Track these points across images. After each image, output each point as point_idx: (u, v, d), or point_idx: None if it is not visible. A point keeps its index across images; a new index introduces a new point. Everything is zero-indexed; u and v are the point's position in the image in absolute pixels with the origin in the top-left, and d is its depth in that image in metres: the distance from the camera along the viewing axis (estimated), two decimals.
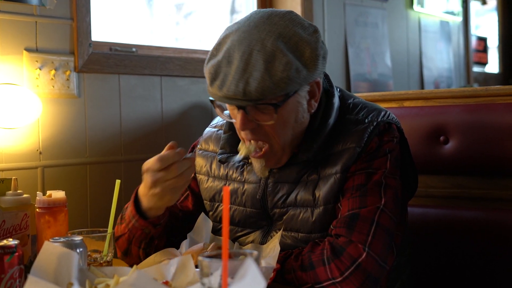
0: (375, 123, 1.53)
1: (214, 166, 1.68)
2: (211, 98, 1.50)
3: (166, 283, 1.30)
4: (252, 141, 1.51)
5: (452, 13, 4.59)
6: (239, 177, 1.63)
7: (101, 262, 1.47)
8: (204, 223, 1.65)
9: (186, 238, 1.63)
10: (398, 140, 1.57)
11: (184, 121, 2.58)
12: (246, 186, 1.62)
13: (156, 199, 1.48)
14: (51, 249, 1.33)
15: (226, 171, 1.66)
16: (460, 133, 1.90)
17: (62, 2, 2.15)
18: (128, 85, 2.38)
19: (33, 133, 2.09)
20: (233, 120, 1.51)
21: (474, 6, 5.25)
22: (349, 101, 1.61)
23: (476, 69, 5.12)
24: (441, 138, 1.92)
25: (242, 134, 1.52)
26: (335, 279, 1.42)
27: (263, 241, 1.60)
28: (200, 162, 1.72)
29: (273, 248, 1.51)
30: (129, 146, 2.38)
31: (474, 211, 1.89)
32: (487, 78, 5.39)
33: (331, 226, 1.49)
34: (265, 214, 1.60)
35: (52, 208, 1.52)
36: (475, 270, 1.83)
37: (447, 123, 1.92)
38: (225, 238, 1.05)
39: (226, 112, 1.57)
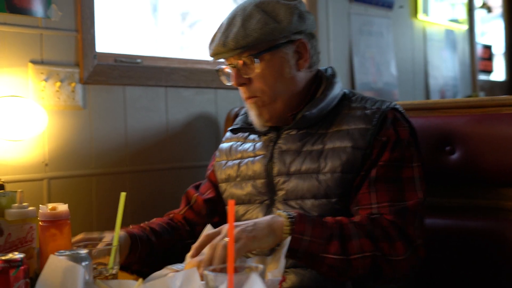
0: (383, 107, 1.69)
1: (232, 150, 1.87)
2: (216, 68, 1.79)
3: None
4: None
5: (457, 21, 4.59)
6: (251, 153, 1.81)
7: (107, 275, 1.47)
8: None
9: None
10: (411, 125, 1.72)
11: (189, 132, 2.58)
12: (256, 159, 1.78)
13: None
14: (56, 263, 1.33)
15: (241, 153, 1.84)
16: (466, 143, 1.90)
17: (67, 14, 2.16)
18: (133, 96, 2.39)
19: (39, 145, 2.10)
20: (232, 82, 1.74)
21: (480, 13, 5.25)
22: (356, 95, 1.78)
23: (482, 77, 5.12)
24: (447, 148, 1.92)
25: (241, 95, 1.75)
26: (398, 257, 1.53)
27: (266, 214, 1.69)
28: (221, 151, 1.92)
29: (278, 259, 1.51)
30: (134, 157, 2.39)
31: (480, 221, 1.88)
32: (493, 86, 5.39)
33: (372, 205, 1.61)
34: (271, 184, 1.73)
35: (55, 221, 1.52)
36: (481, 280, 1.82)
37: (453, 133, 1.92)
38: (230, 253, 1.05)
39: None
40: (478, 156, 1.89)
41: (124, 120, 2.36)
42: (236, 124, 1.90)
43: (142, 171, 2.37)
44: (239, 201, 1.78)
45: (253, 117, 1.75)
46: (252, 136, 1.85)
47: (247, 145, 1.84)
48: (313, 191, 1.65)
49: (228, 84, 1.79)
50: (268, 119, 1.74)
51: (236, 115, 2.50)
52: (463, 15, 4.66)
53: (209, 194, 1.92)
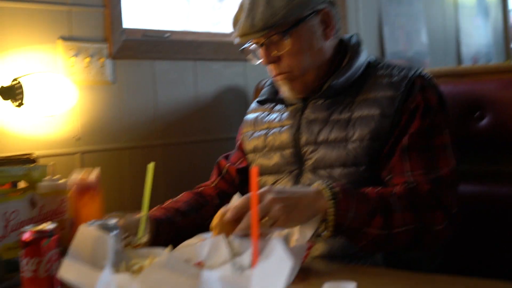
0: (410, 74, 1.68)
1: (258, 121, 1.89)
2: (241, 48, 1.77)
3: (199, 263, 1.32)
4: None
5: None
6: (278, 123, 1.82)
7: (136, 244, 1.50)
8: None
9: None
10: (439, 91, 1.70)
11: (219, 104, 2.61)
12: (283, 129, 1.79)
13: None
14: (86, 233, 1.36)
15: (268, 124, 1.85)
16: (495, 108, 1.89)
17: None
18: (161, 70, 2.42)
19: (71, 120, 2.14)
20: (261, 60, 1.73)
21: None
22: (381, 62, 1.78)
23: None
24: (477, 114, 1.92)
25: (270, 72, 1.75)
26: (438, 226, 1.53)
27: (295, 184, 1.72)
28: (246, 123, 1.94)
29: (310, 227, 1.50)
30: (165, 130, 2.42)
31: (497, 187, 1.89)
32: None
33: (406, 173, 1.60)
34: (299, 154, 1.75)
35: (85, 189, 1.56)
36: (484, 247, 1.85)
37: (482, 99, 1.91)
38: (254, 217, 1.06)
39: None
40: (508, 121, 1.88)
41: (154, 94, 2.39)
42: (263, 95, 1.90)
43: (172, 144, 2.41)
44: (268, 172, 1.80)
45: (285, 91, 1.76)
46: (278, 107, 1.86)
47: (274, 115, 1.85)
48: (342, 159, 1.66)
49: (256, 63, 1.78)
50: (300, 92, 1.75)
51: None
52: None
53: (241, 163, 1.94)
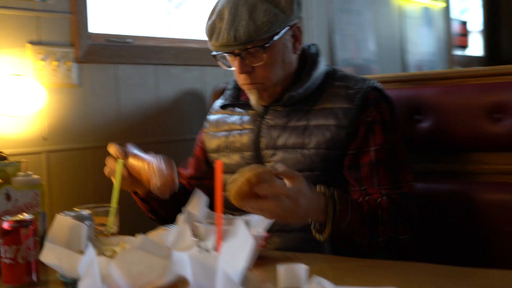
0: (364, 87, 1.78)
1: (220, 123, 1.97)
2: (213, 53, 1.81)
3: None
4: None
5: None
6: (239, 126, 1.91)
7: (107, 234, 1.62)
8: (199, 199, 1.79)
9: None
10: (391, 102, 1.82)
11: (178, 107, 2.70)
12: (244, 132, 1.88)
13: None
14: (62, 222, 1.47)
15: (230, 126, 1.93)
16: (434, 112, 2.02)
17: None
18: (124, 74, 2.50)
19: (38, 121, 2.21)
20: (233, 68, 1.80)
21: None
22: (338, 72, 1.88)
23: (459, 52, 5.20)
24: (417, 117, 2.04)
25: (241, 81, 1.81)
26: (406, 235, 1.68)
27: None
28: (209, 123, 2.02)
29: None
30: (127, 131, 2.50)
31: (448, 185, 2.01)
32: (471, 61, 5.46)
33: (377, 186, 1.72)
34: (259, 156, 1.84)
35: None
36: (450, 238, 1.95)
37: (423, 103, 2.03)
38: (218, 205, 1.20)
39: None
40: (446, 124, 2.00)
41: (117, 96, 2.47)
42: (226, 100, 1.97)
43: (134, 144, 2.46)
44: (228, 170, 1.85)
45: (253, 99, 1.83)
46: (239, 109, 1.95)
47: (234, 118, 1.94)
48: (298, 164, 1.76)
49: (227, 69, 1.85)
50: (266, 100, 1.84)
51: (223, 90, 2.63)
52: None
53: (191, 170, 2.03)
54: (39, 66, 2.20)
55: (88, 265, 1.13)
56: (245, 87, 1.84)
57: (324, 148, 1.74)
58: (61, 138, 2.28)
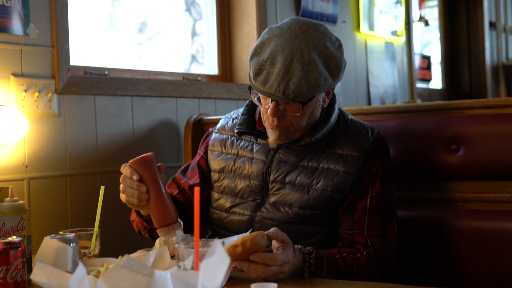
0: (372, 137, 1.85)
1: (228, 144, 1.97)
2: (251, 89, 1.80)
3: None
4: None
5: (396, 34, 4.78)
6: (248, 154, 1.92)
7: (89, 256, 1.72)
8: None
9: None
10: (389, 151, 1.92)
11: (153, 137, 2.79)
12: (254, 161, 1.89)
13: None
14: (49, 244, 1.57)
15: (238, 150, 1.94)
16: (397, 143, 2.10)
17: (43, 31, 2.36)
18: (102, 104, 2.58)
19: (20, 149, 2.28)
20: (262, 106, 1.81)
21: (419, 26, 5.47)
22: (348, 117, 1.93)
23: (420, 85, 5.31)
24: None
25: (269, 120, 1.80)
26: (384, 278, 1.80)
27: (255, 211, 1.86)
28: (215, 141, 2.01)
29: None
30: (104, 160, 2.58)
31: (409, 211, 2.08)
32: (431, 94, 5.59)
33: (366, 231, 1.81)
34: (265, 187, 1.87)
35: None
36: (427, 261, 2.03)
37: (385, 134, 2.05)
38: (196, 228, 1.30)
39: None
40: (406, 155, 2.09)
41: (95, 126, 2.55)
42: (241, 126, 1.93)
43: (111, 172, 2.56)
44: (230, 193, 1.91)
45: (271, 137, 1.83)
46: (249, 135, 1.94)
47: (244, 143, 1.94)
48: (302, 202, 1.81)
49: (257, 104, 1.84)
50: (284, 141, 1.85)
51: (195, 122, 2.75)
52: (402, 28, 4.85)
53: (195, 180, 2.00)
54: (21, 97, 2.29)
55: (79, 281, 1.23)
56: (269, 127, 1.83)
57: (330, 191, 1.80)
58: (41, 166, 2.37)
